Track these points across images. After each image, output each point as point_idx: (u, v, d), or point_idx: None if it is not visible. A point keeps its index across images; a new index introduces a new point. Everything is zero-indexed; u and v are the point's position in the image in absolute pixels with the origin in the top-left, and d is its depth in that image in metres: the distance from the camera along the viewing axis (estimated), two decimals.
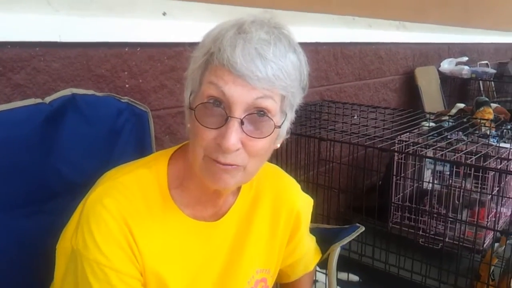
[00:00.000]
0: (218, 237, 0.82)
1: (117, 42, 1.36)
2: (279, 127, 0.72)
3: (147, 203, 0.76)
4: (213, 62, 0.68)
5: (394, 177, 2.10)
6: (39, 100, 0.95)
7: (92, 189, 0.77)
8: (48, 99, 0.96)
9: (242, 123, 0.68)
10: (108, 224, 0.71)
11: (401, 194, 2.18)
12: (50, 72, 1.23)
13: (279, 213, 0.89)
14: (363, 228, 1.16)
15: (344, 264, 1.45)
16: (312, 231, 1.05)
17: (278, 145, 0.78)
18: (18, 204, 0.91)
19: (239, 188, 0.85)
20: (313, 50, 2.22)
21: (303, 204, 0.93)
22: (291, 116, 0.76)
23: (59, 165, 0.97)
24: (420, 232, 2.00)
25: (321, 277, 1.69)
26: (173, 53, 1.53)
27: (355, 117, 2.03)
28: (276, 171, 0.93)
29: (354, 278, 1.89)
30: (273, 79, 0.67)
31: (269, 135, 0.70)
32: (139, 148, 1.14)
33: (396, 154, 2.15)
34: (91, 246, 0.70)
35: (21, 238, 0.90)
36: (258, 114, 0.69)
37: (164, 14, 1.47)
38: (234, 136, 0.67)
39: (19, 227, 0.90)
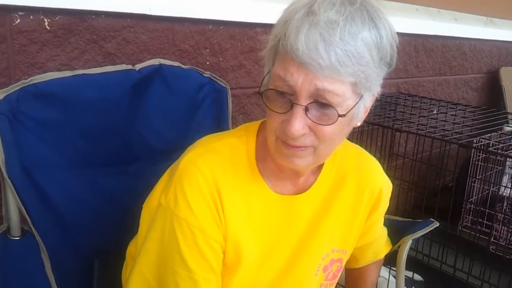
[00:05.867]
0: (298, 212, 0.83)
1: (202, 19, 1.39)
2: (344, 115, 0.68)
3: (236, 171, 0.77)
4: (280, 49, 0.67)
5: (469, 178, 2.00)
6: (129, 67, 1.00)
7: (185, 153, 0.79)
8: (137, 67, 1.01)
9: (307, 109, 0.66)
10: (200, 185, 0.73)
11: (474, 197, 2.08)
12: (138, 44, 1.28)
13: (363, 193, 0.87)
14: (437, 224, 1.12)
15: (410, 263, 1.40)
16: (384, 222, 1.03)
17: (359, 123, 0.76)
18: (105, 163, 0.97)
19: (320, 167, 0.84)
20: None
21: (386, 184, 0.91)
22: (370, 95, 0.72)
23: (142, 130, 1.02)
24: (492, 239, 1.89)
25: (383, 272, 1.65)
26: (254, 34, 1.54)
27: (435, 112, 1.94)
28: (359, 150, 0.92)
29: (418, 278, 1.83)
30: (338, 66, 0.63)
31: (334, 123, 0.68)
32: (216, 122, 1.17)
33: (473, 155, 2.05)
34: (182, 205, 0.73)
35: (106, 194, 0.97)
36: (321, 103, 0.66)
37: None
38: (298, 123, 0.66)
39: (105, 183, 0.97)
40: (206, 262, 0.74)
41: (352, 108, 0.69)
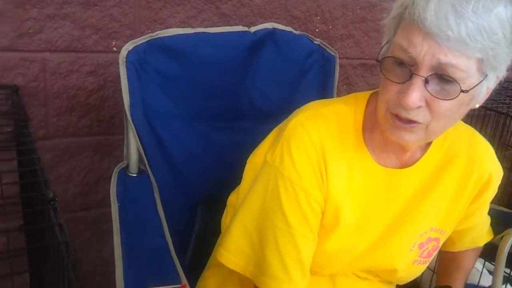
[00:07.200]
0: (400, 186, 0.82)
1: None
2: (466, 91, 0.65)
3: (341, 137, 0.78)
4: (405, 18, 0.65)
5: None
6: (245, 29, 1.04)
7: (294, 115, 0.81)
8: (252, 29, 1.04)
9: (426, 81, 0.64)
10: (306, 147, 0.76)
11: None
12: (252, 7, 1.32)
13: (470, 176, 0.84)
14: None
15: (509, 260, 1.31)
16: (489, 211, 0.97)
17: (478, 105, 0.72)
18: (214, 117, 1.03)
19: (429, 143, 0.82)
20: None
21: (497, 170, 0.86)
22: (494, 76, 0.69)
23: (251, 90, 1.06)
24: None
25: (477, 264, 1.57)
26: (367, 4, 1.51)
27: None
28: (472, 132, 0.88)
29: None
30: (467, 39, 0.61)
31: (454, 98, 0.65)
32: (322, 90, 1.17)
33: None
34: (288, 164, 0.76)
35: (213, 146, 1.04)
36: (443, 76, 0.64)
37: None
38: (415, 94, 0.64)
39: (212, 136, 1.03)
40: (305, 219, 0.77)
41: (475, 86, 0.66)
